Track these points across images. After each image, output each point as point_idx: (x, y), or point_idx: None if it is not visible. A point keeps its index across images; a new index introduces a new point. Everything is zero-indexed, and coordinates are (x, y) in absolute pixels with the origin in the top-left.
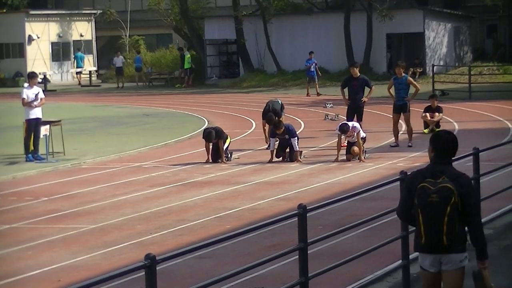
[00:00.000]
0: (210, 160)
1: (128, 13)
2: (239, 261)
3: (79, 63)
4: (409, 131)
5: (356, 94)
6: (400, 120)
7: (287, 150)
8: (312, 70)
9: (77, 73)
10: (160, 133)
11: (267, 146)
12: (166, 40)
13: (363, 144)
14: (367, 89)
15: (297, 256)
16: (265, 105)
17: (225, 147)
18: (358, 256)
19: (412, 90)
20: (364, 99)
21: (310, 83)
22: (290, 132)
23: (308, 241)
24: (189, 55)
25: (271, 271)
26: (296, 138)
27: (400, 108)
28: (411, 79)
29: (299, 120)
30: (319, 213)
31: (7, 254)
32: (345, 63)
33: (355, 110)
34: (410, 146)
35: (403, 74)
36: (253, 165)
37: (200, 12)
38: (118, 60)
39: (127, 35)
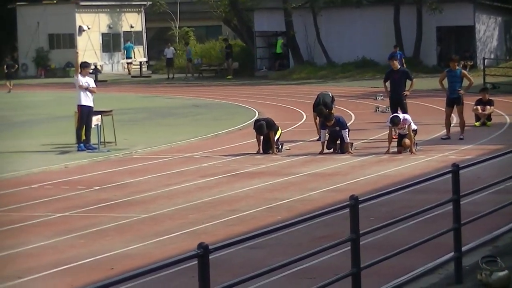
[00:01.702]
0: (261, 151)
1: (178, 5)
2: (290, 251)
3: (129, 53)
4: (462, 124)
5: (397, 86)
6: (452, 113)
7: (338, 142)
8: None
9: (127, 63)
10: (211, 124)
11: (318, 137)
12: (215, 32)
13: (414, 136)
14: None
15: (348, 248)
16: (315, 97)
17: (276, 138)
18: (410, 248)
19: (465, 83)
20: (406, 92)
21: None
22: (341, 124)
23: (360, 232)
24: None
25: (322, 262)
26: (347, 130)
27: (454, 101)
28: (465, 72)
29: (350, 112)
30: (370, 204)
31: (60, 242)
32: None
33: (397, 103)
34: (462, 139)
35: (457, 67)
36: (304, 157)
37: (249, 4)
38: (169, 51)
39: (177, 27)
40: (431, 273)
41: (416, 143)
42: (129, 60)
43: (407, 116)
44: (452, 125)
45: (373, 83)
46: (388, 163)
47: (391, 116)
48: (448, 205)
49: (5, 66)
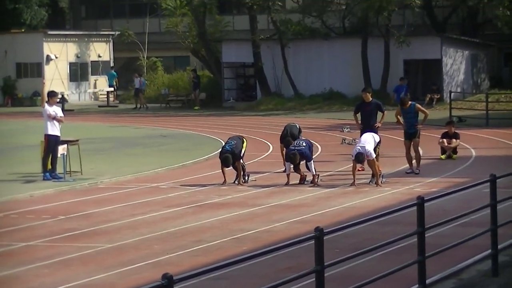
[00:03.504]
0: (226, 182)
1: (146, 35)
2: (255, 283)
3: (111, 81)
4: (417, 157)
5: (369, 119)
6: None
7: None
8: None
9: (108, 91)
10: (177, 154)
11: (284, 169)
12: (183, 62)
13: (378, 149)
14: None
15: (313, 279)
16: (283, 129)
17: (242, 151)
18: (375, 280)
19: (421, 116)
20: (378, 124)
21: None
22: (306, 157)
23: (325, 264)
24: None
25: None
26: (312, 162)
27: (411, 135)
28: (419, 106)
29: (317, 144)
30: (336, 236)
31: (24, 272)
32: (361, 88)
33: None
34: (417, 173)
35: (410, 103)
36: (270, 188)
37: (217, 35)
38: (137, 81)
39: (145, 57)
40: None
41: (382, 175)
42: (110, 89)
43: (370, 149)
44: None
45: (340, 115)
46: (354, 195)
47: (355, 152)
48: (413, 237)
49: None
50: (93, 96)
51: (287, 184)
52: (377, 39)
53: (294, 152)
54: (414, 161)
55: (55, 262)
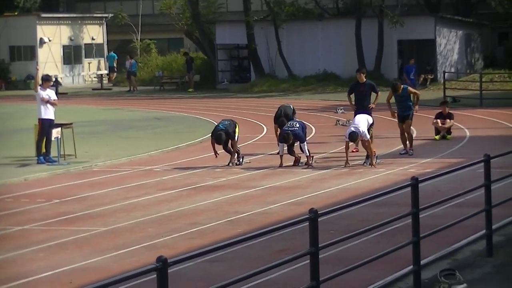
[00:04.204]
0: (216, 156)
1: (139, 17)
2: (250, 265)
3: (111, 62)
4: (410, 138)
5: (362, 100)
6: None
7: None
8: (412, 77)
9: (108, 73)
10: (171, 137)
11: (278, 151)
12: (177, 44)
13: (371, 131)
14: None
15: (308, 261)
16: (277, 109)
17: (236, 136)
18: (369, 261)
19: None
20: (371, 105)
21: None
22: (299, 137)
23: (320, 245)
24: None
25: (282, 275)
26: (305, 143)
27: (405, 118)
28: (410, 88)
29: (311, 125)
30: (330, 218)
31: (19, 256)
32: (355, 69)
33: None
34: (411, 154)
35: (402, 87)
36: (264, 170)
37: (211, 16)
38: (128, 64)
39: (139, 39)
40: (390, 286)
41: (377, 156)
42: (105, 72)
43: (364, 129)
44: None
45: (334, 96)
46: (348, 176)
47: (349, 131)
48: (408, 218)
49: None
50: (97, 79)
51: (280, 166)
52: (371, 20)
53: (288, 132)
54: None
55: (50, 246)
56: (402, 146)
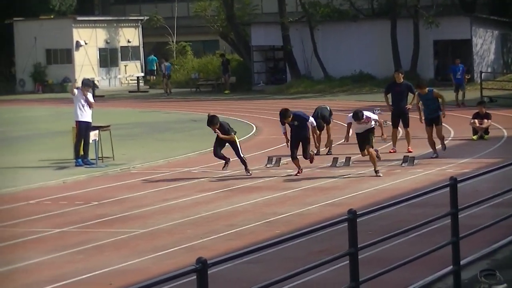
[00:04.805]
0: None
1: (174, 19)
2: (288, 266)
3: (151, 65)
4: (442, 138)
5: (399, 100)
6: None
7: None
8: (459, 77)
9: (145, 75)
10: (208, 139)
11: (316, 151)
12: (212, 46)
13: (372, 138)
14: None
15: (346, 262)
16: (313, 111)
17: (238, 145)
18: (408, 262)
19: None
20: (408, 106)
21: (458, 91)
22: (300, 118)
23: (358, 246)
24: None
25: (320, 276)
26: (310, 121)
27: (433, 121)
28: (436, 91)
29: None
30: (368, 218)
31: (57, 258)
32: (391, 70)
33: (399, 116)
34: (444, 151)
35: (427, 89)
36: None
37: (246, 18)
38: (163, 67)
39: (174, 41)
40: (430, 286)
41: (414, 157)
42: (141, 74)
43: (372, 115)
44: (447, 140)
45: (370, 97)
46: (386, 177)
47: (355, 110)
48: (446, 218)
49: None
50: (142, 81)
51: (287, 143)
52: (406, 20)
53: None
54: (439, 146)
55: (88, 248)
56: (432, 150)
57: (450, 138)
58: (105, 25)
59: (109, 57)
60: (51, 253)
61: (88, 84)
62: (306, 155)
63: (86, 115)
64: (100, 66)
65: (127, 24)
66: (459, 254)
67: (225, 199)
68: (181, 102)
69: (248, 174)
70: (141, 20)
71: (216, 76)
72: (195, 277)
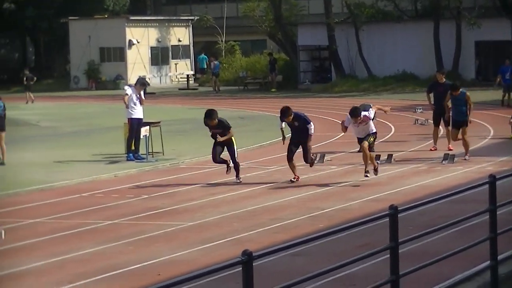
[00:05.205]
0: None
1: (224, 20)
2: (331, 259)
3: (202, 64)
4: (466, 145)
5: (441, 99)
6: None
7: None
8: (508, 78)
9: (195, 73)
10: (255, 135)
11: (358, 149)
12: (260, 45)
13: (374, 142)
14: None
15: (387, 256)
16: None
17: (235, 148)
18: (447, 256)
19: None
20: (449, 105)
21: (506, 92)
22: (301, 119)
23: (399, 240)
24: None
25: (361, 269)
26: (311, 126)
27: (460, 124)
28: (468, 95)
29: (390, 124)
30: (409, 214)
31: (109, 249)
32: (433, 70)
33: (441, 115)
34: (467, 160)
35: (460, 91)
36: (345, 167)
37: (293, 18)
38: (213, 65)
39: (223, 41)
40: (468, 281)
41: (454, 155)
42: (190, 72)
43: (371, 113)
44: (487, 139)
45: (413, 96)
46: (427, 174)
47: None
48: (485, 214)
49: (24, 78)
50: (192, 79)
51: (283, 140)
52: (449, 22)
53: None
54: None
55: (138, 240)
56: (478, 145)
57: (489, 137)
58: (157, 24)
59: (160, 56)
60: (103, 244)
61: (144, 84)
62: (306, 159)
63: (138, 112)
64: (152, 64)
65: (178, 24)
66: (496, 249)
67: (270, 193)
68: (229, 100)
69: (238, 181)
70: (192, 20)
71: (264, 75)
72: (240, 269)
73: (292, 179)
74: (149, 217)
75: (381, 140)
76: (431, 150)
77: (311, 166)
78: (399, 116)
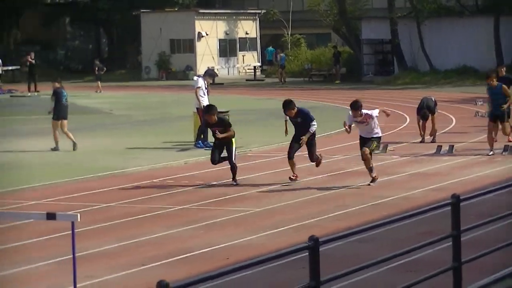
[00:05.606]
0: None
1: (290, 13)
2: (394, 245)
3: (269, 56)
4: (509, 133)
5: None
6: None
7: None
8: None
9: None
10: (320, 125)
11: (420, 139)
12: (325, 39)
13: (376, 145)
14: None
15: (449, 243)
16: (419, 101)
17: (233, 149)
18: (508, 245)
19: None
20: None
21: None
22: (305, 115)
23: (461, 229)
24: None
25: (424, 256)
26: (313, 123)
27: (498, 117)
28: (505, 87)
29: (451, 116)
30: (470, 203)
31: (179, 233)
32: (494, 64)
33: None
34: (504, 155)
35: (496, 83)
36: (407, 157)
37: (357, 13)
38: (279, 57)
39: (289, 34)
40: None
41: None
42: (258, 64)
43: (373, 112)
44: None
45: (473, 89)
46: (487, 164)
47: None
48: None
49: (96, 68)
50: (259, 70)
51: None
52: (509, 17)
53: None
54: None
55: (208, 224)
56: (505, 144)
57: None
58: (225, 17)
59: (228, 48)
60: (174, 228)
61: (212, 75)
62: (312, 157)
63: (206, 102)
64: (220, 56)
65: (245, 17)
66: None
67: (334, 181)
68: (294, 91)
69: (234, 183)
70: (259, 13)
71: (328, 67)
72: (307, 254)
73: (291, 177)
74: (217, 203)
75: (442, 131)
76: (495, 141)
77: (317, 166)
78: (460, 108)
